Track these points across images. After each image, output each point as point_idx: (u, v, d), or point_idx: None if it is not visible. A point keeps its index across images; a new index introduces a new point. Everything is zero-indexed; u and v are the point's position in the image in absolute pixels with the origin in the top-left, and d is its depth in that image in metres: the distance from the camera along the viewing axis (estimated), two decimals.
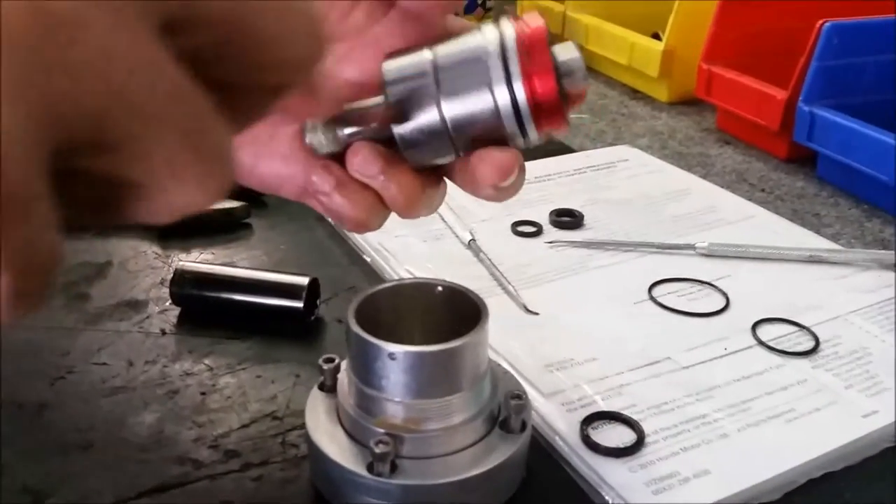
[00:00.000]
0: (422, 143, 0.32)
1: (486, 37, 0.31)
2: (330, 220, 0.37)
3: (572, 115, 0.94)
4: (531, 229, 0.64)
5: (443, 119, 0.31)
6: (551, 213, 0.66)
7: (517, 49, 0.30)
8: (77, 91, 0.17)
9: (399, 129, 0.32)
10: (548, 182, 0.74)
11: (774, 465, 0.42)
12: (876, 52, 0.80)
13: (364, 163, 0.32)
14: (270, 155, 0.35)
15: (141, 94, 0.18)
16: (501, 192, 0.33)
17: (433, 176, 0.34)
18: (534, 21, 0.31)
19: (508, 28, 0.31)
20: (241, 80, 0.21)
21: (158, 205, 0.20)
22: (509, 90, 0.30)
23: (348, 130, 0.33)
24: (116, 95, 0.17)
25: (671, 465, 0.41)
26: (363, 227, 0.34)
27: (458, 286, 0.41)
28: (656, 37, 1.07)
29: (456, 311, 0.41)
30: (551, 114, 0.31)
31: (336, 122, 0.33)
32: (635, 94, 1.05)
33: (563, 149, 0.84)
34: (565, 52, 0.31)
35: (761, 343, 0.51)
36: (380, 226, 0.35)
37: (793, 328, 0.53)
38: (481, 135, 0.31)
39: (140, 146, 0.18)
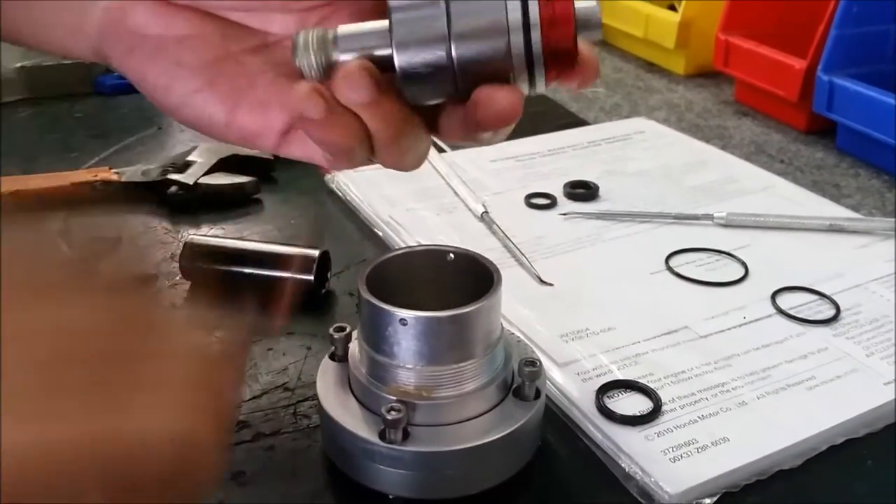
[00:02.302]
0: (423, 77, 0.30)
1: None
2: (314, 162, 0.36)
3: (587, 89, 0.91)
4: (545, 201, 0.63)
5: (450, 55, 0.30)
6: (565, 185, 0.65)
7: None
8: None
9: (401, 60, 0.30)
10: (562, 155, 0.73)
11: (795, 432, 0.41)
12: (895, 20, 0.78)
13: (356, 86, 0.30)
14: (249, 104, 0.35)
15: None
16: (496, 137, 0.32)
17: (421, 118, 0.33)
18: None
19: None
20: None
21: None
22: (525, 32, 0.29)
23: (344, 56, 0.31)
24: None
25: (688, 433, 0.40)
26: (348, 157, 0.33)
27: (470, 252, 0.41)
28: (672, 9, 1.06)
29: (468, 278, 0.40)
30: (564, 62, 0.30)
31: (331, 43, 0.32)
32: (651, 67, 1.03)
33: (578, 122, 0.83)
34: (584, 1, 0.30)
35: (781, 312, 0.50)
36: (362, 162, 0.34)
37: (813, 297, 0.51)
38: (486, 76, 0.30)
39: None
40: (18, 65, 0.88)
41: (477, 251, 0.40)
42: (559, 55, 0.29)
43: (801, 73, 0.78)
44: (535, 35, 0.29)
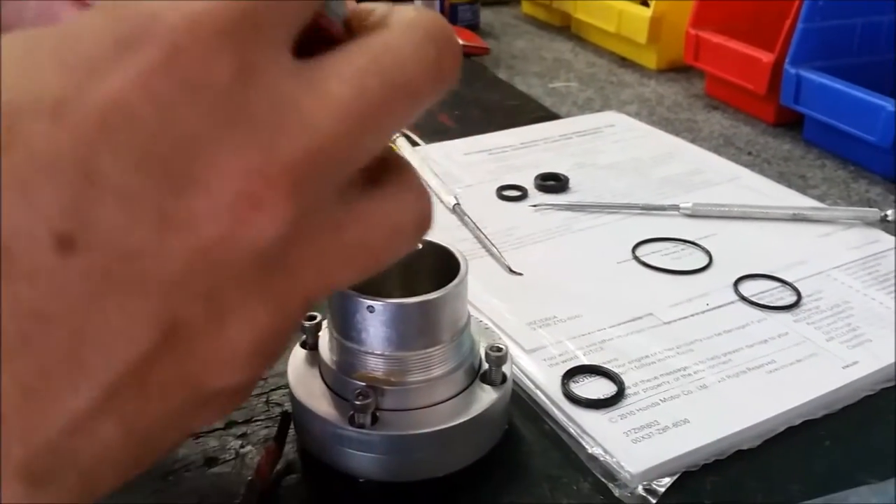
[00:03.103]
0: None
1: None
2: None
3: (560, 84, 0.92)
4: (516, 193, 0.64)
5: None
6: (536, 177, 0.66)
7: None
8: None
9: None
10: (533, 147, 0.74)
11: (754, 413, 0.42)
12: (863, 13, 0.79)
13: None
14: None
15: None
16: None
17: None
18: None
19: None
20: None
21: None
22: None
23: None
24: None
25: (650, 416, 0.41)
26: None
27: (437, 242, 0.41)
28: (644, 4, 1.07)
29: (436, 267, 0.41)
30: None
31: None
32: (623, 62, 1.05)
33: (551, 115, 0.84)
34: None
35: (743, 298, 0.51)
36: None
37: (775, 284, 0.53)
38: None
39: None
40: None
41: (447, 242, 0.41)
42: None
43: (769, 67, 0.80)
44: None
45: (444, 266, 0.40)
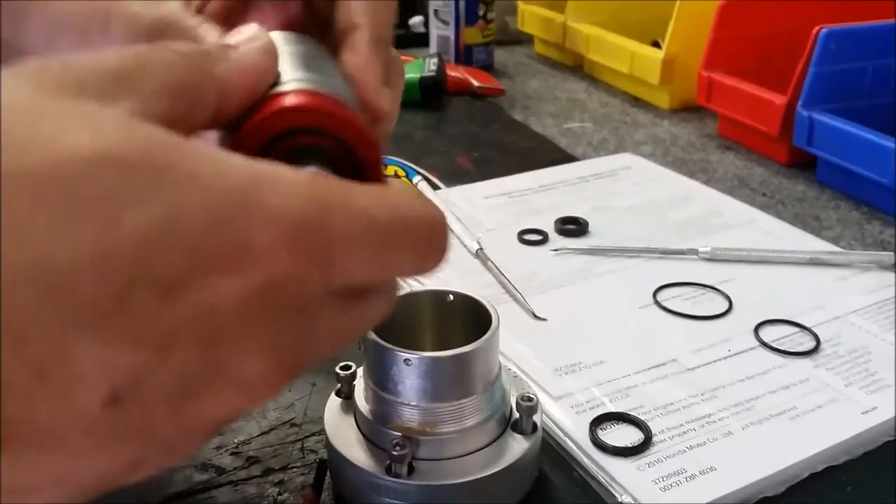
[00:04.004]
0: None
1: None
2: None
3: (575, 124, 0.94)
4: (537, 237, 0.66)
5: None
6: (556, 220, 0.68)
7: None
8: None
9: None
10: (552, 190, 0.75)
11: (778, 460, 0.43)
12: (873, 56, 0.81)
13: None
14: None
15: None
16: None
17: None
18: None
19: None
20: None
21: None
22: None
23: None
24: None
25: (678, 463, 0.42)
26: None
27: (468, 294, 0.43)
28: (656, 44, 1.09)
29: (467, 318, 0.42)
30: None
31: None
32: (636, 101, 1.07)
33: (567, 157, 0.86)
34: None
35: (764, 344, 0.52)
36: None
37: (794, 329, 0.54)
38: None
39: None
40: None
41: (473, 291, 0.43)
42: None
43: (782, 109, 0.81)
44: None
45: (474, 317, 0.41)
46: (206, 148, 0.19)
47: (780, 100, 0.82)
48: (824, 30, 0.78)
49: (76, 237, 0.16)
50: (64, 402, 0.17)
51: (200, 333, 0.18)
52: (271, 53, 0.25)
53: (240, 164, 0.19)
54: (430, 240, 0.24)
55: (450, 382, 0.39)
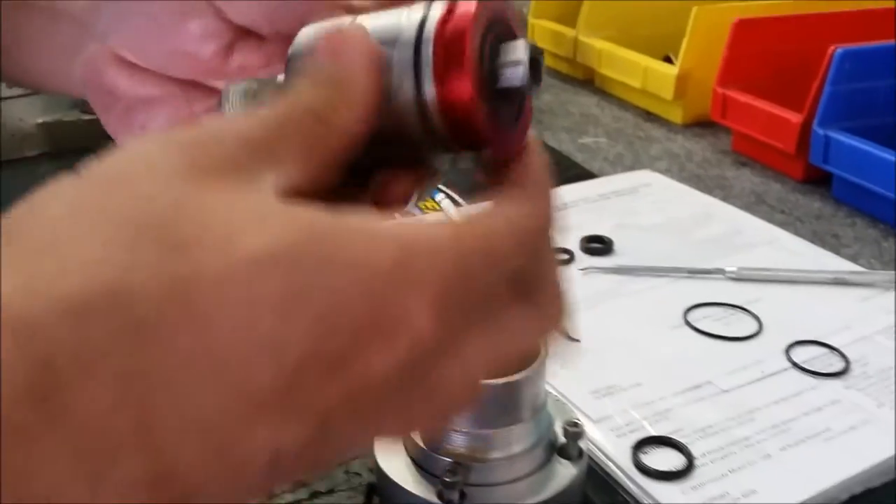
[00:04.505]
0: None
1: (409, 18, 0.25)
2: None
3: (590, 140, 0.94)
4: (564, 257, 0.67)
5: None
6: (581, 239, 0.68)
7: (434, 39, 0.24)
8: None
9: None
10: (574, 209, 0.76)
11: (816, 483, 0.44)
12: (887, 75, 0.82)
13: None
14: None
15: None
16: None
17: None
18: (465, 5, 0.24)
19: (436, 9, 0.24)
20: None
21: None
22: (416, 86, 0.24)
23: None
24: None
25: (721, 487, 0.43)
26: None
27: None
28: (668, 59, 1.10)
29: None
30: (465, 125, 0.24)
31: (250, 95, 0.34)
32: (649, 115, 1.07)
33: (585, 173, 0.87)
34: (511, 51, 0.25)
35: (795, 365, 0.53)
36: None
37: (823, 349, 0.55)
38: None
39: None
40: (39, 120, 0.91)
41: None
42: (458, 116, 0.24)
43: (798, 127, 0.82)
44: (429, 91, 0.24)
45: None
46: (356, 222, 0.20)
47: (795, 118, 0.83)
48: (839, 50, 0.79)
49: (253, 330, 0.18)
50: (235, 475, 0.18)
51: (353, 405, 0.20)
52: (374, 63, 0.23)
53: (387, 236, 0.20)
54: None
55: (500, 409, 0.40)
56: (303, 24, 0.27)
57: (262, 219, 0.19)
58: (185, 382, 0.17)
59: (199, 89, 0.39)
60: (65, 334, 0.16)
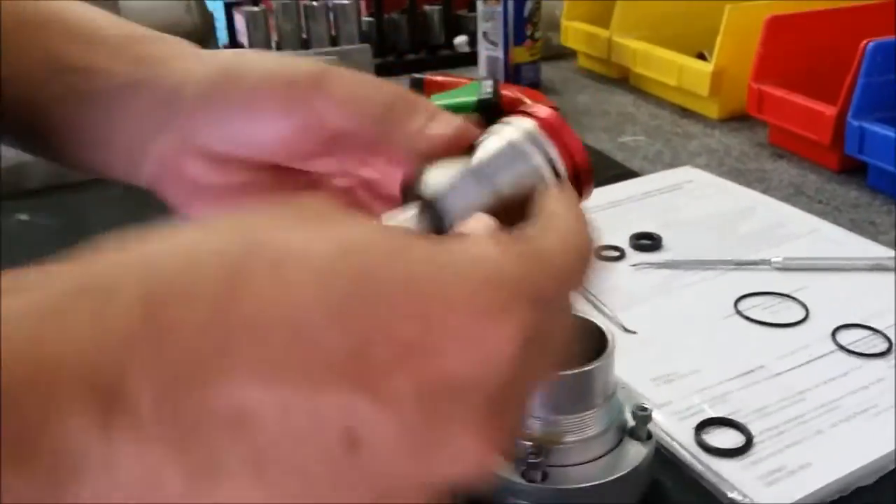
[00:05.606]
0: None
1: (510, 135, 0.33)
2: None
3: (628, 138, 0.99)
4: (615, 254, 0.71)
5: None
6: (631, 236, 0.72)
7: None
8: None
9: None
10: (619, 207, 0.80)
11: (866, 454, 0.48)
12: None
13: None
14: None
15: None
16: None
17: None
18: (542, 110, 0.34)
19: (524, 122, 0.33)
20: None
21: None
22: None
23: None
24: None
25: (778, 461, 0.47)
26: None
27: (582, 316, 0.48)
28: (701, 56, 1.13)
29: (581, 338, 0.47)
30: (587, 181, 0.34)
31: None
32: (685, 112, 1.11)
33: (627, 172, 0.91)
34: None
35: (841, 348, 0.57)
36: None
37: (867, 332, 0.59)
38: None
39: None
40: None
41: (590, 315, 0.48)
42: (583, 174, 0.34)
43: (833, 119, 0.86)
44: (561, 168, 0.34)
45: (586, 336, 0.47)
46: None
47: (830, 110, 0.86)
48: (872, 43, 0.83)
49: (326, 300, 0.21)
50: (307, 437, 0.20)
51: (425, 401, 0.21)
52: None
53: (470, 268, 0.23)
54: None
55: (575, 396, 0.44)
56: (393, 122, 0.34)
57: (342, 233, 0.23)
58: (263, 326, 0.20)
59: (287, 172, 0.38)
60: (177, 273, 0.20)
